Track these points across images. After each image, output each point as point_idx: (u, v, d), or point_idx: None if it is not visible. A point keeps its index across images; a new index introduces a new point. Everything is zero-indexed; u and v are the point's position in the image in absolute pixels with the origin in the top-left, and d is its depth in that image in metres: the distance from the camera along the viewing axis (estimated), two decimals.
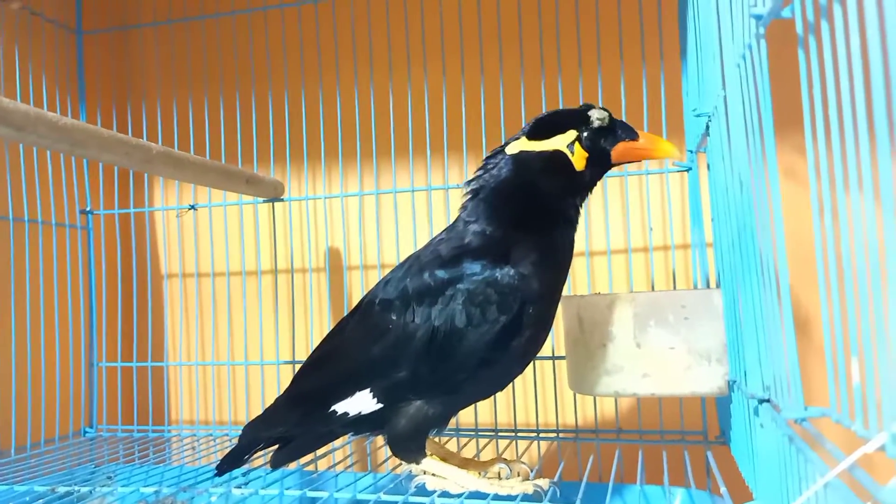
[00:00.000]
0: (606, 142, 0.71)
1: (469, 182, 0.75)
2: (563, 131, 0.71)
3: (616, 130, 0.71)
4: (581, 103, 0.73)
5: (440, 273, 0.69)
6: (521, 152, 0.71)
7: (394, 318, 0.69)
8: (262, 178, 1.07)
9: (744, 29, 0.47)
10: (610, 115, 0.71)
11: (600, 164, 0.72)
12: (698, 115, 0.76)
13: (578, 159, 0.70)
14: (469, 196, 0.74)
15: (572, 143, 0.70)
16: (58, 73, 1.20)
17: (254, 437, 0.77)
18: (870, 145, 0.30)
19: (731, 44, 0.52)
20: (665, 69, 1.01)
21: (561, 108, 0.73)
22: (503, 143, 0.74)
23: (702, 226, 0.98)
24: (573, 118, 0.71)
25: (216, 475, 0.78)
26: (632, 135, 0.72)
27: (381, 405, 0.70)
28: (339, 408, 0.71)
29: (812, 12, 0.35)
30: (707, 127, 0.75)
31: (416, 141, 1.12)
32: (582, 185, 0.73)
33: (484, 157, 0.75)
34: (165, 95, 1.25)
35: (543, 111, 0.75)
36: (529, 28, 1.09)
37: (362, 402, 0.70)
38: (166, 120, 1.23)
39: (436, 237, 0.76)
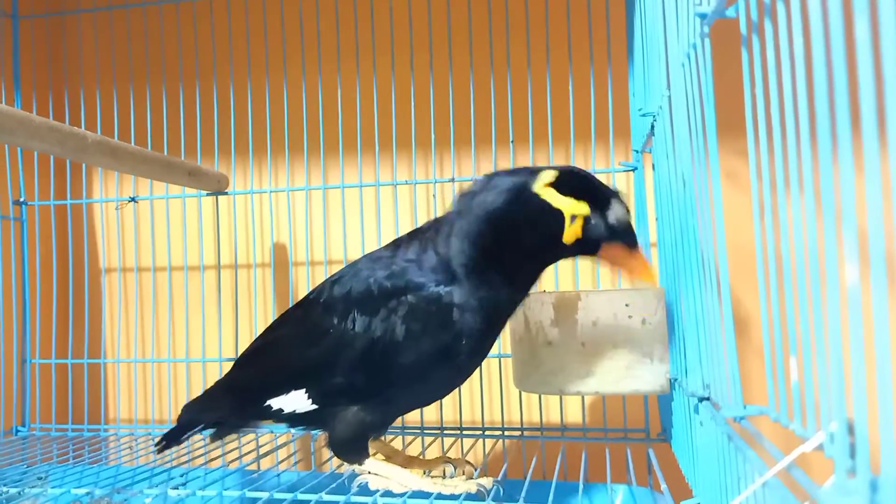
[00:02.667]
0: (604, 236, 0.64)
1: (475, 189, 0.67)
2: (578, 198, 0.63)
3: (619, 233, 0.65)
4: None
5: (386, 282, 0.67)
6: (525, 190, 0.64)
7: (334, 322, 0.68)
8: (206, 171, 1.04)
9: (689, 28, 0.47)
10: (628, 219, 0.65)
11: (584, 250, 0.66)
12: (644, 115, 0.76)
13: (570, 234, 0.64)
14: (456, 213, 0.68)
15: (577, 216, 0.64)
16: None
17: (191, 417, 0.77)
18: (811, 147, 0.30)
19: (676, 43, 0.52)
20: (613, 69, 1.02)
21: (597, 178, 0.66)
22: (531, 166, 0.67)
23: (646, 225, 0.99)
24: (595, 195, 0.64)
25: (157, 451, 0.78)
26: (633, 245, 0.65)
27: (315, 406, 0.70)
28: (275, 403, 0.70)
29: (756, 12, 0.35)
30: (652, 127, 0.75)
31: (364, 135, 1.11)
32: (553, 256, 0.68)
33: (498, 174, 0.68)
34: (105, 84, 1.21)
35: (574, 166, 0.69)
36: (479, 27, 1.08)
37: (297, 402, 0.70)
38: (106, 109, 1.19)
39: (400, 239, 0.73)
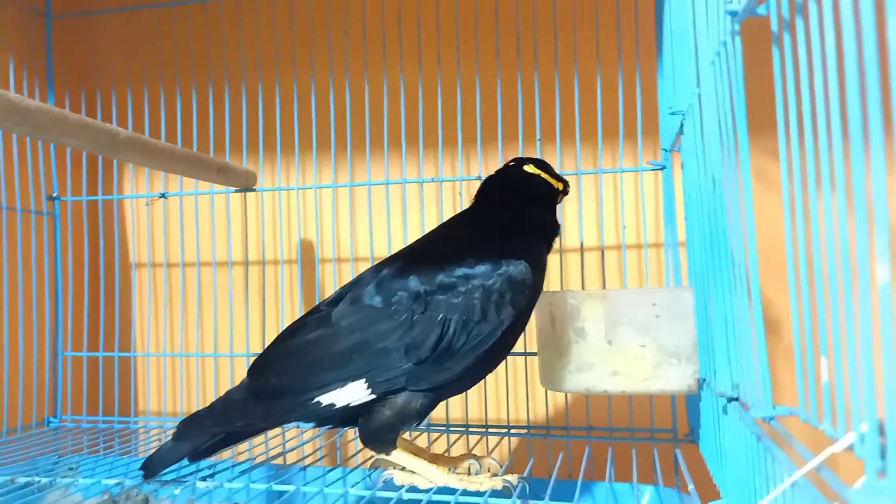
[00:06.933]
0: None
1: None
2: (555, 178, 0.83)
3: None
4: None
5: (455, 265, 0.71)
6: (529, 174, 0.82)
7: (402, 309, 0.70)
8: (234, 168, 1.06)
9: (719, 26, 0.47)
10: None
11: None
12: (673, 114, 0.76)
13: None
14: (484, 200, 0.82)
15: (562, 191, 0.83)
16: (26, 58, 1.18)
17: (199, 433, 0.75)
18: (842, 145, 0.30)
19: (706, 41, 0.52)
20: (641, 67, 1.01)
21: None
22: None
23: (675, 225, 0.98)
24: (559, 176, 0.83)
25: (144, 478, 0.76)
26: None
27: (373, 396, 0.70)
28: (325, 399, 0.70)
29: (787, 9, 0.35)
30: (682, 125, 0.75)
31: (391, 133, 1.11)
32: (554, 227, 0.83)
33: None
34: (136, 82, 1.22)
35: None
36: (506, 26, 1.08)
37: (353, 393, 0.70)
38: (137, 107, 1.21)
39: (447, 225, 0.82)
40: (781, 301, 0.94)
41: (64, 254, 1.20)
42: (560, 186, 0.83)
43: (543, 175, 0.81)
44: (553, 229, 0.81)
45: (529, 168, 0.82)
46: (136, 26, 1.25)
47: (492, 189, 0.82)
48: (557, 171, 0.84)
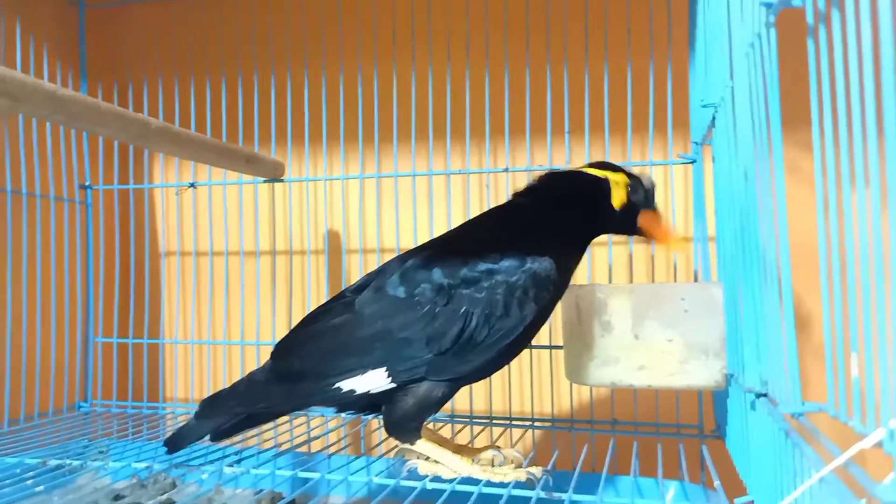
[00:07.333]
0: (642, 199, 0.78)
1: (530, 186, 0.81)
2: (616, 172, 0.78)
3: (651, 200, 0.79)
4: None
5: (479, 260, 0.71)
6: (576, 171, 0.79)
7: (424, 301, 0.70)
8: (263, 158, 1.06)
9: (753, 17, 0.46)
10: (655, 185, 0.80)
11: (628, 219, 0.78)
12: (705, 106, 0.75)
13: (617, 197, 0.77)
14: (525, 195, 0.80)
15: (618, 182, 0.77)
16: (60, 47, 1.19)
17: (221, 412, 0.76)
18: (878, 140, 0.29)
19: (741, 33, 0.51)
20: (673, 58, 1.00)
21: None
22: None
23: (704, 219, 0.97)
24: (624, 170, 0.79)
25: (167, 453, 0.77)
26: (658, 213, 0.80)
27: (393, 385, 0.70)
28: (345, 385, 0.71)
29: (823, 1, 0.35)
30: (713, 118, 0.74)
31: (418, 125, 1.11)
32: (604, 223, 0.79)
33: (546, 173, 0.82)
34: (167, 72, 1.24)
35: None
36: (536, 17, 1.08)
37: (374, 381, 0.70)
38: (168, 97, 1.22)
39: (477, 219, 0.81)
40: (812, 298, 0.93)
41: (95, 241, 1.22)
42: (619, 179, 0.77)
43: (594, 171, 0.78)
44: (590, 229, 0.79)
45: (586, 169, 0.79)
46: (168, 17, 1.26)
47: (533, 185, 0.80)
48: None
